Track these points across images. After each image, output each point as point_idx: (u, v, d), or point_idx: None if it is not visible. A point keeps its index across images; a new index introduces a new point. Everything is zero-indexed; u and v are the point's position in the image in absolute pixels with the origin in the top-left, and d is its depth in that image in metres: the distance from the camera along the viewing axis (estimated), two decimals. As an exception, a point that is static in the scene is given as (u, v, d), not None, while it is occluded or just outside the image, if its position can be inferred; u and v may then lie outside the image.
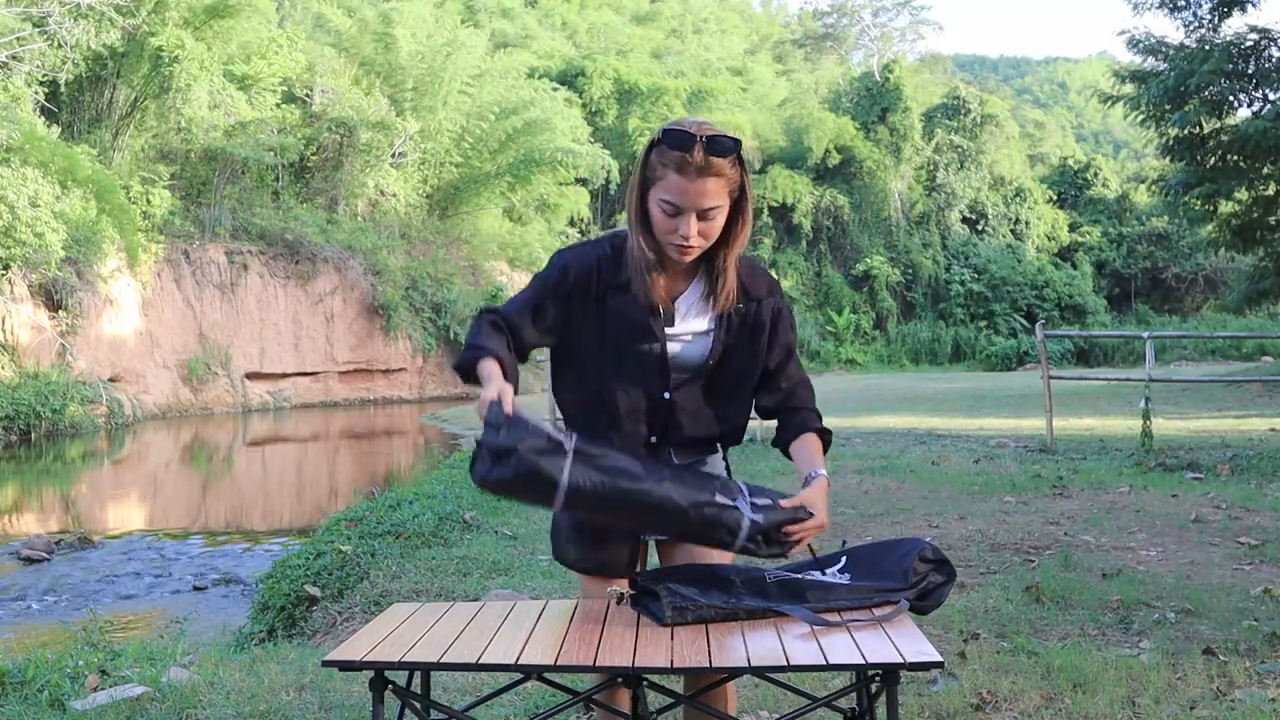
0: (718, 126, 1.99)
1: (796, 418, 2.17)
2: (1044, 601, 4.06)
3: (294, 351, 23.51)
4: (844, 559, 2.12)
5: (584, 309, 2.08)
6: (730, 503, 1.95)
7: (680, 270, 2.07)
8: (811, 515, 1.99)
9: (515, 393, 1.98)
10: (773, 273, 2.15)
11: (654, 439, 2.13)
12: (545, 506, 1.90)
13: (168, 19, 20.94)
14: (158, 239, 20.73)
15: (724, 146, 1.95)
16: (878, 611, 2.00)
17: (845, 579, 2.06)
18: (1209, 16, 16.03)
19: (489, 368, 1.97)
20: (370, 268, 24.63)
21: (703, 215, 1.97)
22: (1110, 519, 5.90)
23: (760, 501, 1.97)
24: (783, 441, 2.18)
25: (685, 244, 1.98)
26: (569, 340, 2.12)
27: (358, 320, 24.43)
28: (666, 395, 2.10)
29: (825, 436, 2.17)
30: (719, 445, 2.24)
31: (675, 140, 1.94)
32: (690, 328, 2.09)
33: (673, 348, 2.09)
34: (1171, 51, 15.85)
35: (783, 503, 1.98)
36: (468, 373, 2.02)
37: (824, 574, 2.08)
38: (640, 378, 2.09)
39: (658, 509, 1.91)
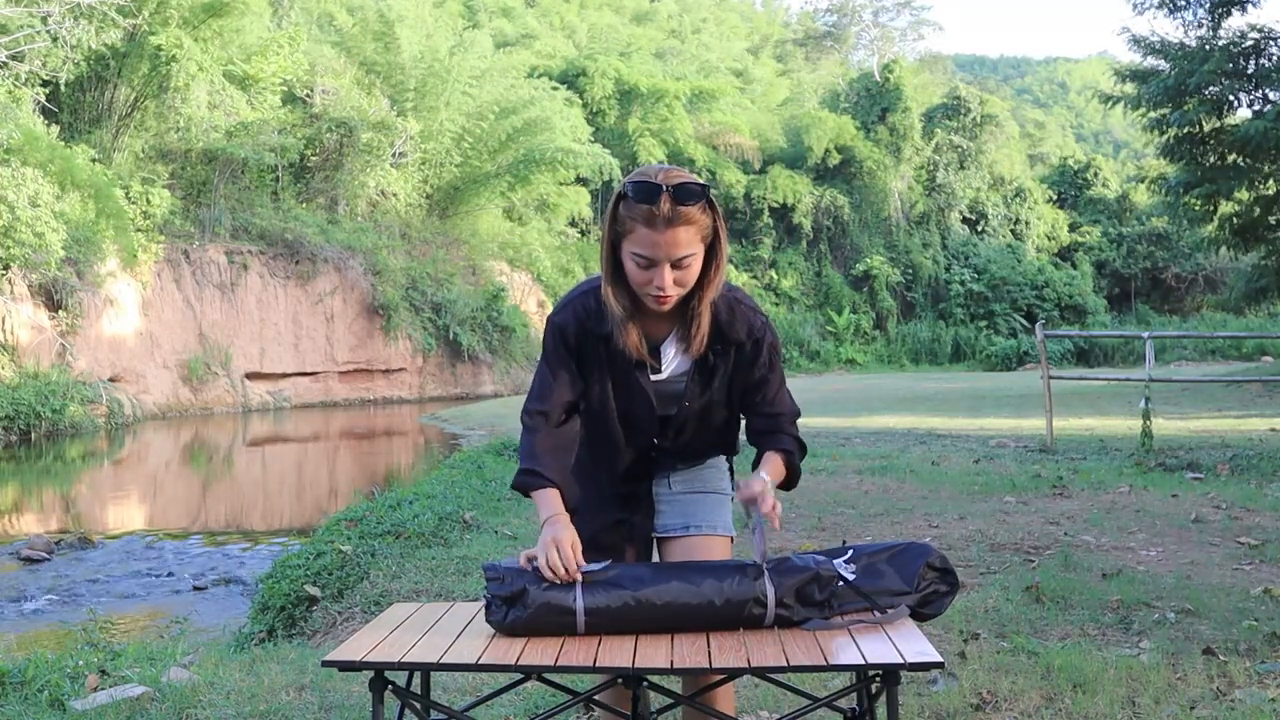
0: (684, 172, 1.97)
1: (771, 440, 2.17)
2: (1044, 601, 4.06)
3: (294, 351, 23.51)
4: (850, 551, 2.12)
5: (586, 359, 2.12)
6: (745, 565, 1.99)
7: (662, 314, 2.07)
8: (755, 500, 2.01)
9: (570, 508, 2.08)
10: (758, 309, 2.15)
11: (653, 454, 2.22)
12: (569, 634, 1.93)
13: (168, 18, 20.93)
14: (158, 239, 20.72)
15: (691, 194, 1.93)
16: (878, 614, 2.01)
17: (850, 570, 2.06)
18: (1209, 16, 16.04)
19: (550, 503, 2.05)
20: (370, 268, 24.62)
21: (677, 264, 1.95)
22: (1110, 519, 5.90)
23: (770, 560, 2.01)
24: (755, 462, 2.19)
25: (662, 294, 1.97)
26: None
27: (358, 320, 24.42)
28: (655, 440, 2.18)
29: (791, 460, 2.15)
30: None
31: (640, 193, 1.92)
32: (677, 370, 2.12)
33: (660, 390, 2.13)
34: (1172, 50, 15.86)
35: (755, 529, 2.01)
36: (525, 493, 2.11)
37: (832, 561, 2.09)
38: (633, 420, 2.16)
39: (681, 608, 1.93)
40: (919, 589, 2.07)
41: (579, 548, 1.99)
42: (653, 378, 2.11)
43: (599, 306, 2.08)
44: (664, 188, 1.91)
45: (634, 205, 1.94)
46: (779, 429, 2.17)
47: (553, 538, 1.98)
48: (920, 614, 2.07)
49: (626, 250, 1.98)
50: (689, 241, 1.95)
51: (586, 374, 2.13)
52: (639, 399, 2.13)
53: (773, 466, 2.12)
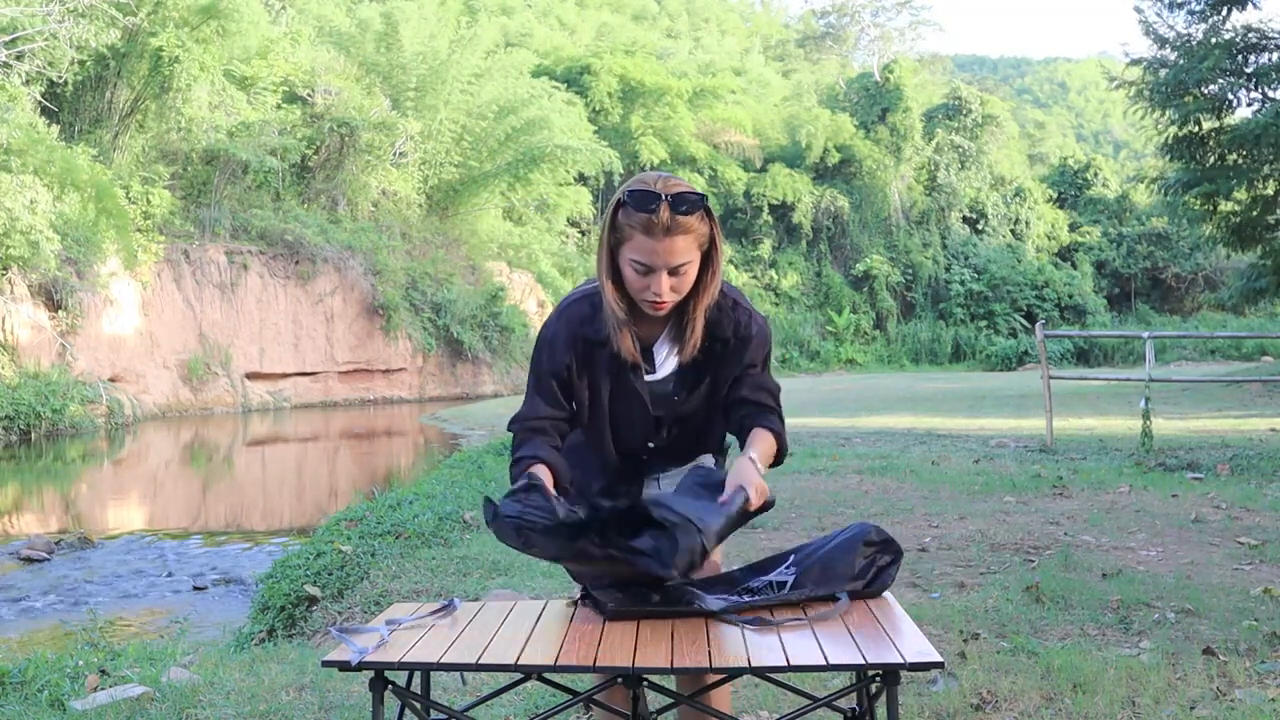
0: (682, 181, 2.01)
1: (760, 417, 2.16)
2: (1044, 601, 4.06)
3: (294, 351, 23.50)
4: (790, 556, 2.12)
5: (579, 368, 2.14)
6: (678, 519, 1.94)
7: (656, 318, 2.10)
8: (746, 493, 1.97)
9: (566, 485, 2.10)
10: (752, 308, 2.16)
11: (644, 456, 2.23)
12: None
13: (167, 19, 20.92)
14: (158, 239, 20.71)
15: (689, 203, 1.97)
16: (814, 611, 2.00)
17: (791, 574, 2.06)
18: (1208, 12, 16.03)
19: (535, 476, 2.03)
20: (370, 268, 24.61)
21: (673, 271, 1.99)
22: (1110, 519, 5.90)
23: (709, 519, 1.95)
24: (740, 441, 2.19)
25: (659, 300, 2.01)
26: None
27: (358, 320, 24.42)
28: (651, 444, 2.19)
29: (780, 438, 2.14)
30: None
31: (640, 201, 1.96)
32: (668, 370, 2.15)
33: (654, 391, 2.15)
34: (1176, 43, 15.87)
35: (721, 499, 1.98)
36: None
37: (769, 575, 2.09)
38: (628, 423, 2.17)
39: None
40: (863, 571, 2.06)
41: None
42: (646, 379, 2.13)
43: (593, 311, 2.11)
44: (663, 197, 1.95)
45: (633, 213, 1.97)
46: (765, 407, 2.17)
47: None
48: (871, 591, 2.06)
49: (625, 256, 2.01)
50: (686, 249, 1.98)
51: (580, 381, 2.15)
52: (634, 401, 2.15)
53: (763, 447, 2.11)
